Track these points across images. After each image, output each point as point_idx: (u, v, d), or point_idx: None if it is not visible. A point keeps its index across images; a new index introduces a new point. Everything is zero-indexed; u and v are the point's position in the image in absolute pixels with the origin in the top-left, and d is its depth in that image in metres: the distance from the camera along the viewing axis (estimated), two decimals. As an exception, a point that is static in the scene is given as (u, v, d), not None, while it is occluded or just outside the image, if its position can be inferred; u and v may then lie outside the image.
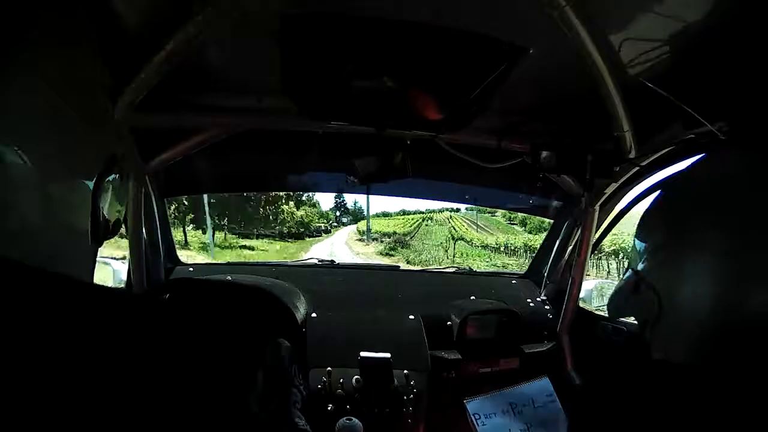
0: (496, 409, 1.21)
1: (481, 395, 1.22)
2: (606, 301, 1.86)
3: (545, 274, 1.86)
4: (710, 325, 0.49)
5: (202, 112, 1.32)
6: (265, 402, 0.36)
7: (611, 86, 1.05)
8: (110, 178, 0.40)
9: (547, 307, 1.78)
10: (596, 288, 1.86)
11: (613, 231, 1.72)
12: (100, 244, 0.42)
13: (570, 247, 1.73)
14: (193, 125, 1.35)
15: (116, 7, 0.86)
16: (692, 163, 0.62)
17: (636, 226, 0.61)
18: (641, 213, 0.62)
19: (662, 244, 0.56)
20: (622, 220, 1.66)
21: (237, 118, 1.34)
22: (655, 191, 1.41)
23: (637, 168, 1.28)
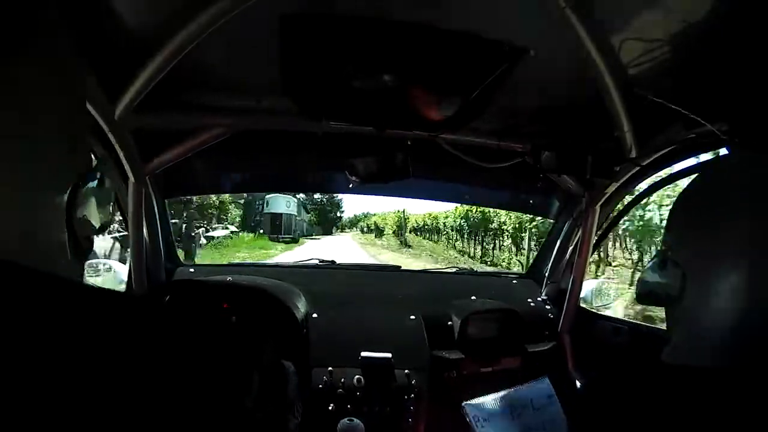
0: (495, 411, 1.20)
1: (481, 397, 1.21)
2: (609, 300, 1.86)
3: (546, 273, 1.86)
4: (740, 327, 0.48)
5: (202, 113, 1.32)
6: (262, 403, 0.36)
7: (611, 86, 1.05)
8: (90, 183, 0.39)
9: (548, 306, 1.78)
10: (597, 287, 1.86)
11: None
12: (82, 252, 0.41)
13: (571, 247, 1.73)
14: (193, 126, 1.35)
15: (115, 9, 0.86)
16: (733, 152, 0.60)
17: (669, 212, 0.59)
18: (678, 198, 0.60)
19: (695, 236, 0.54)
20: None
21: (237, 119, 1.34)
22: (657, 190, 1.40)
23: (638, 168, 1.28)
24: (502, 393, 1.23)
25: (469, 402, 1.20)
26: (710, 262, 0.51)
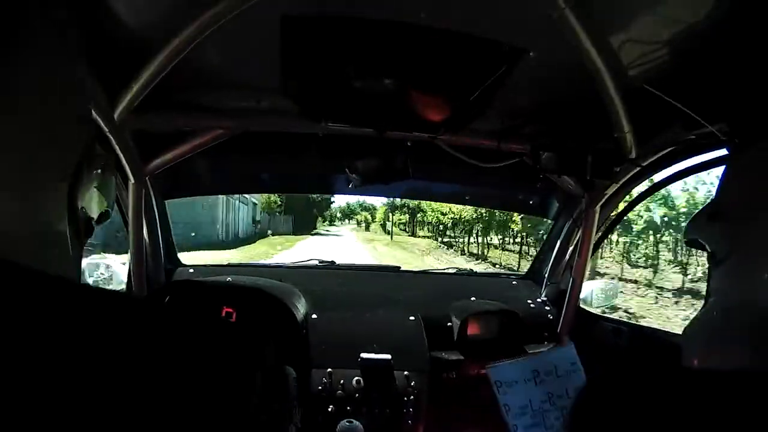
0: (518, 377, 1.20)
1: (504, 361, 1.22)
2: (606, 302, 1.86)
3: (546, 274, 1.86)
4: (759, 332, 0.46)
5: (202, 114, 1.32)
6: (265, 404, 0.36)
7: (611, 87, 1.05)
8: (87, 175, 0.39)
9: (547, 307, 1.78)
10: (597, 289, 1.86)
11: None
12: (81, 245, 0.41)
13: (570, 248, 1.74)
14: (193, 127, 1.35)
15: (115, 9, 0.86)
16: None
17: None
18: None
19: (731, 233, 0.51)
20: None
21: (237, 120, 1.34)
22: (657, 191, 1.41)
23: (638, 169, 1.28)
24: (525, 359, 1.24)
25: (492, 366, 1.21)
26: (743, 262, 0.49)
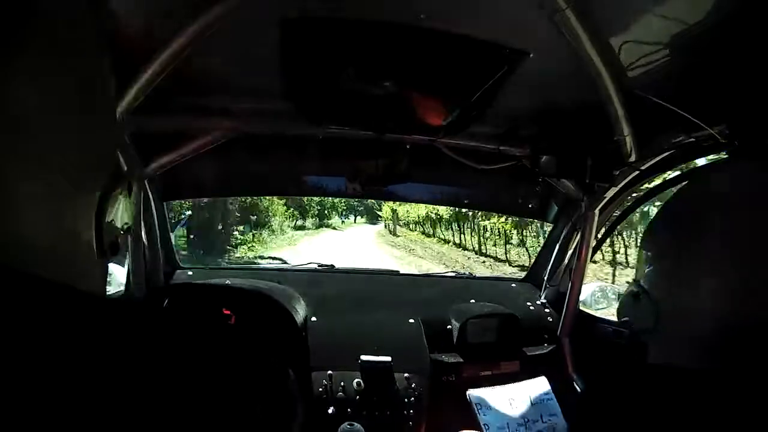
0: (496, 403, 1.28)
1: (483, 388, 1.32)
2: (606, 304, 1.86)
3: (545, 277, 1.86)
4: (716, 329, 0.49)
5: (202, 116, 1.31)
6: (271, 411, 0.36)
7: (611, 90, 1.05)
8: (117, 190, 0.39)
9: (547, 310, 1.78)
10: (596, 291, 1.86)
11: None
12: (107, 256, 0.41)
13: (570, 251, 1.74)
14: (192, 128, 1.35)
15: (114, 11, 0.86)
16: (696, 169, 0.63)
17: (644, 230, 0.61)
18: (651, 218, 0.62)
19: (667, 249, 0.56)
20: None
21: (236, 122, 1.34)
22: (657, 194, 1.42)
23: (637, 172, 1.28)
24: (502, 387, 1.34)
25: (473, 391, 1.30)
26: (698, 265, 0.52)
